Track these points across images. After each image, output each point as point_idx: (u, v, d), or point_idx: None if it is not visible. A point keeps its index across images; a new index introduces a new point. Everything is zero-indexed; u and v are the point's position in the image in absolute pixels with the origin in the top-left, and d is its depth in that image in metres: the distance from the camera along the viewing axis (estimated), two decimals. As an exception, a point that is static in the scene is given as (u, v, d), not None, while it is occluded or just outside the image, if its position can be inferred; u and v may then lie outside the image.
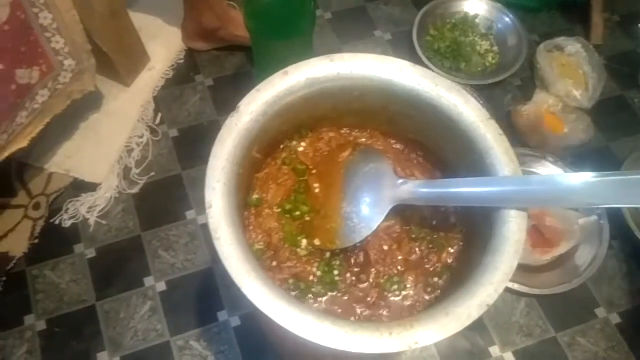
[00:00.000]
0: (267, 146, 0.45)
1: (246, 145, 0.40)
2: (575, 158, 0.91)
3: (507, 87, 1.00)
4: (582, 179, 0.36)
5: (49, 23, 0.71)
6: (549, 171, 0.87)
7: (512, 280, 0.79)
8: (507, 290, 0.79)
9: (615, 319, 0.80)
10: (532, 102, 0.94)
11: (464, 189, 0.40)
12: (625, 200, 0.36)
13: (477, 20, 1.04)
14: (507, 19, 1.03)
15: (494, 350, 0.78)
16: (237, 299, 0.79)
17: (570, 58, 0.99)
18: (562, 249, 0.80)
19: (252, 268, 0.36)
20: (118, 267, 0.82)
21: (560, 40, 1.00)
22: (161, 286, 0.81)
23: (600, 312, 0.81)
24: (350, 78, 0.43)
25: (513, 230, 0.37)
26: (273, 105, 0.42)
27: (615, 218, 0.83)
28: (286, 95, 0.42)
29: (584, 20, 1.07)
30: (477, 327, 0.79)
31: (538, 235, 0.81)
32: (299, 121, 0.46)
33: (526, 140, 0.93)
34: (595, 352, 0.78)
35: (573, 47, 1.00)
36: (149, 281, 0.81)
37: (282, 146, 0.48)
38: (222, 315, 0.79)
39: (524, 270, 0.80)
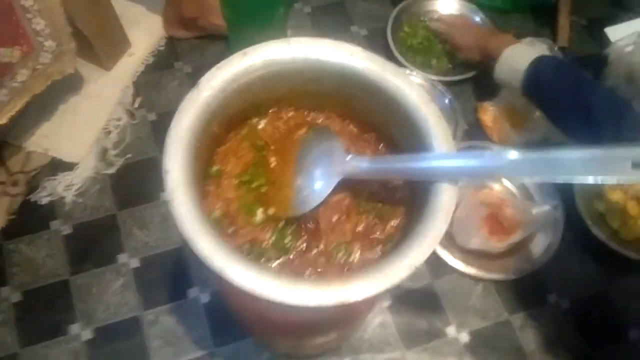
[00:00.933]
0: (227, 122, 0.49)
1: (205, 119, 0.44)
2: (524, 149, 0.95)
3: (475, 84, 1.04)
4: (508, 155, 0.40)
5: (31, 4, 0.74)
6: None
7: (470, 265, 0.83)
8: (465, 275, 0.84)
9: (565, 303, 0.85)
10: (497, 98, 0.99)
11: (405, 164, 0.44)
12: (541, 175, 0.40)
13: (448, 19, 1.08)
14: (478, 19, 1.07)
15: (450, 330, 0.82)
16: (207, 277, 0.83)
17: (537, 57, 1.03)
18: (517, 236, 0.84)
19: (205, 229, 0.39)
20: (93, 244, 0.85)
21: (528, 41, 1.05)
22: (134, 263, 0.84)
23: (552, 297, 0.85)
24: (305, 61, 0.47)
25: (444, 200, 0.41)
26: (231, 83, 0.45)
27: (570, 209, 0.88)
28: (244, 74, 0.46)
29: (552, 24, 1.11)
30: (436, 308, 0.83)
31: (496, 223, 0.85)
32: (257, 100, 0.49)
33: (490, 135, 0.97)
34: (545, 335, 0.82)
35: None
36: (122, 258, 0.84)
37: (243, 123, 0.51)
38: (193, 292, 0.83)
39: (482, 256, 0.85)
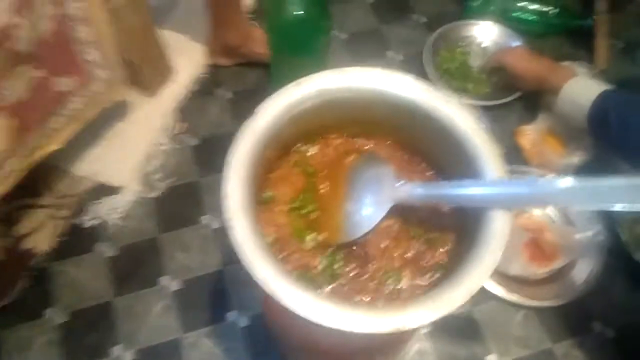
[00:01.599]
0: (279, 149, 0.50)
1: (260, 146, 0.45)
2: (576, 176, 0.94)
3: (512, 108, 1.04)
4: (561, 183, 0.41)
5: (84, 36, 0.77)
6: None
7: (510, 292, 0.82)
8: (506, 302, 0.82)
9: (610, 333, 0.83)
10: (536, 122, 0.98)
11: (456, 191, 0.44)
12: (595, 202, 0.40)
13: (487, 45, 1.09)
14: (517, 44, 1.08)
15: (491, 359, 0.80)
16: (246, 300, 0.84)
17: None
18: (559, 262, 0.83)
19: (263, 255, 0.40)
20: (135, 267, 0.87)
21: (566, 63, 1.04)
22: (175, 285, 0.85)
23: (596, 326, 0.83)
24: (358, 90, 0.48)
25: (497, 228, 0.41)
26: (286, 112, 0.46)
27: (612, 234, 0.86)
28: (298, 103, 0.47)
29: (589, 46, 1.11)
30: (475, 336, 0.82)
31: (536, 249, 0.84)
32: (309, 127, 0.51)
33: (529, 159, 0.96)
34: (590, 365, 0.80)
35: (579, 70, 1.04)
36: (163, 280, 0.86)
37: (293, 150, 0.53)
38: (231, 315, 0.83)
39: (522, 282, 0.83)
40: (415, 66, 1.08)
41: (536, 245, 0.84)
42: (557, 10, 1.12)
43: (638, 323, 0.84)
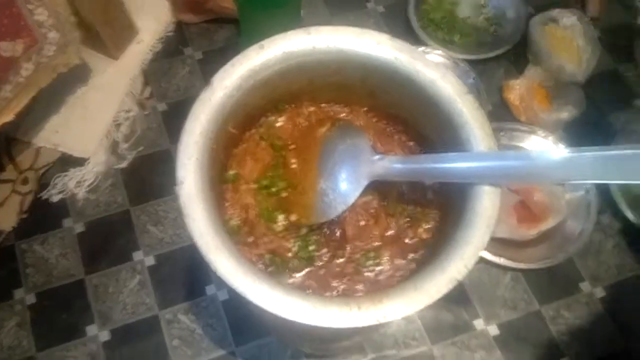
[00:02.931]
0: (243, 121, 0.45)
1: (220, 120, 0.40)
2: (566, 132, 0.90)
3: (500, 61, 0.99)
4: (559, 154, 0.36)
5: (31, -6, 0.70)
6: (538, 146, 0.87)
7: (497, 255, 0.79)
8: (493, 264, 0.80)
9: (600, 292, 0.81)
10: (524, 76, 0.93)
11: (439, 165, 0.40)
12: (600, 175, 0.36)
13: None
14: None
15: (478, 323, 0.79)
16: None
17: (565, 31, 0.97)
18: (548, 223, 0.80)
19: (223, 244, 0.36)
20: (106, 242, 0.83)
21: (556, 13, 0.98)
22: (150, 260, 0.81)
23: (585, 286, 0.81)
24: (327, 52, 0.43)
25: (486, 206, 0.37)
26: (248, 80, 0.41)
27: (603, 193, 0.83)
28: (261, 70, 0.42)
29: (580, -7, 1.04)
30: (462, 300, 0.80)
31: (525, 210, 0.81)
32: (275, 95, 0.45)
33: (517, 115, 0.92)
34: (578, 325, 0.79)
35: (568, 19, 0.98)
36: (137, 255, 0.82)
37: (260, 121, 0.47)
38: (210, 289, 0.80)
39: (510, 244, 0.81)
40: (397, 17, 1.01)
41: (525, 206, 0.80)
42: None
43: (627, 282, 0.82)
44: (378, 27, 1.01)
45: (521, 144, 0.87)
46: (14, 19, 0.70)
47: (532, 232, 0.80)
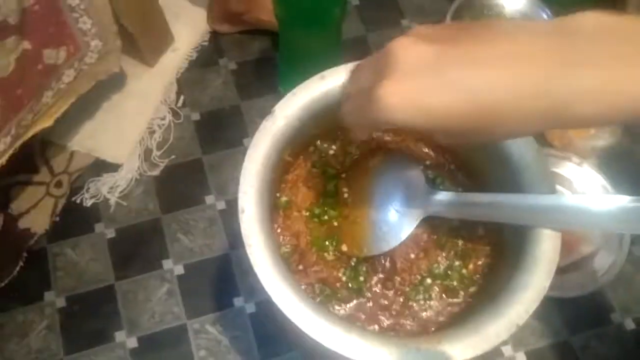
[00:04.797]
0: (298, 148, 0.45)
1: (280, 149, 0.40)
2: (601, 160, 0.89)
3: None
4: (618, 202, 0.36)
5: (77, 3, 0.70)
6: (572, 173, 0.86)
7: (528, 282, 0.79)
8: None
9: (630, 324, 0.80)
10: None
11: (498, 205, 0.39)
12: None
13: (514, 14, 1.01)
14: (544, 15, 1.00)
15: (507, 350, 0.78)
16: (254, 286, 0.80)
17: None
18: (581, 252, 0.79)
19: (283, 277, 0.36)
20: (137, 249, 0.83)
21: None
22: (179, 269, 0.82)
23: (615, 317, 0.80)
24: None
25: (546, 250, 0.37)
26: (308, 110, 0.41)
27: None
28: (322, 99, 0.42)
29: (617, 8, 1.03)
30: (491, 326, 0.79)
31: (558, 238, 0.80)
32: (332, 124, 0.45)
33: (551, 140, 0.91)
34: (607, 357, 0.78)
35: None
36: (167, 264, 0.82)
37: (312, 147, 0.47)
38: (238, 301, 0.80)
39: (541, 272, 0.80)
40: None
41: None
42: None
43: (658, 315, 0.81)
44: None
45: (556, 170, 0.86)
46: (59, 27, 0.70)
47: (564, 260, 0.79)
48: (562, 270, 0.80)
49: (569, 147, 0.89)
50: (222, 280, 0.82)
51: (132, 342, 0.77)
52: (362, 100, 0.31)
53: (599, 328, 0.80)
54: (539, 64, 0.28)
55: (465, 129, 0.29)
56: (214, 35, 0.99)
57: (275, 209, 0.45)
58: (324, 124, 0.44)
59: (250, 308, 0.80)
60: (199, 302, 0.80)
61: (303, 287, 0.43)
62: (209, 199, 0.86)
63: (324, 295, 0.43)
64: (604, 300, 0.81)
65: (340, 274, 0.44)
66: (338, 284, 0.43)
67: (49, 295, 0.79)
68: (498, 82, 0.27)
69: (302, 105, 0.40)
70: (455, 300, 0.43)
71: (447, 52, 0.29)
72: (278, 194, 0.45)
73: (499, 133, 0.29)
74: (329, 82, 0.41)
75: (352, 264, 0.44)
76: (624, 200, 0.36)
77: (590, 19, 0.30)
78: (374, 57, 0.33)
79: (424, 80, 0.29)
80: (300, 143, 0.44)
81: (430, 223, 0.45)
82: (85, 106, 0.88)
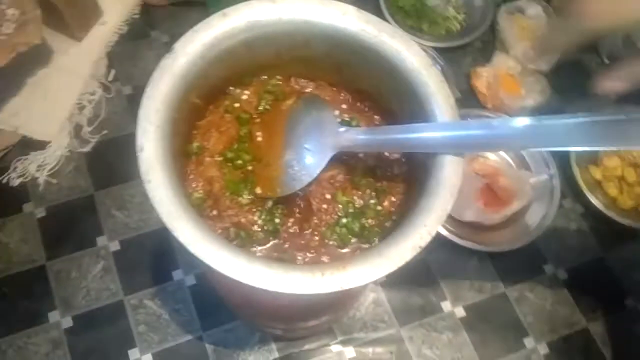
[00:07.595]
0: (207, 92, 0.44)
1: (182, 89, 0.39)
2: (532, 117, 0.92)
3: (468, 49, 1.00)
4: (520, 122, 0.37)
5: (-13, -32, 0.67)
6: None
7: (464, 238, 0.80)
8: (460, 247, 0.81)
9: (563, 274, 0.83)
10: (491, 64, 0.95)
11: (403, 135, 0.40)
12: (558, 142, 0.36)
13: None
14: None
15: (446, 305, 0.80)
16: (192, 259, 0.79)
17: (530, 20, 0.99)
18: (514, 207, 0.81)
19: (185, 212, 0.35)
20: (69, 227, 0.80)
21: (521, 3, 1.00)
22: (114, 245, 0.80)
23: (548, 268, 0.83)
24: (293, 22, 0.42)
25: (448, 174, 0.37)
26: (211, 48, 0.40)
27: (566, 179, 0.85)
28: (225, 38, 0.41)
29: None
30: (430, 283, 0.81)
31: (491, 194, 0.82)
32: (241, 67, 0.45)
33: (484, 102, 0.93)
34: (542, 306, 0.81)
35: (534, 9, 1.00)
36: (101, 240, 0.80)
37: (225, 94, 0.47)
38: (177, 274, 0.79)
39: (477, 228, 0.82)
40: (369, 3, 1.01)
41: (491, 191, 0.82)
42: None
43: (589, 264, 0.84)
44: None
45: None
46: (-32, -7, 0.67)
47: (497, 215, 0.81)
48: (496, 226, 0.83)
49: (500, 108, 0.91)
50: (161, 255, 0.80)
51: (67, 322, 0.75)
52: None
53: (533, 279, 0.82)
54: None
55: None
56: (145, 7, 0.96)
57: (186, 156, 0.44)
58: (232, 66, 0.43)
59: (190, 280, 0.78)
60: (137, 277, 0.78)
61: (219, 232, 0.42)
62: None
63: (240, 238, 0.42)
64: (537, 252, 0.84)
65: (255, 217, 0.43)
66: (254, 227, 0.43)
67: (-24, 279, 0.76)
68: None
69: (204, 43, 0.40)
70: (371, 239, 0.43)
71: None
72: (190, 141, 0.44)
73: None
74: (232, 20, 0.41)
75: (268, 207, 0.44)
76: (524, 121, 0.37)
77: None
78: None
79: None
80: (210, 86, 0.43)
81: (346, 164, 0.45)
82: (9, 83, 0.84)
